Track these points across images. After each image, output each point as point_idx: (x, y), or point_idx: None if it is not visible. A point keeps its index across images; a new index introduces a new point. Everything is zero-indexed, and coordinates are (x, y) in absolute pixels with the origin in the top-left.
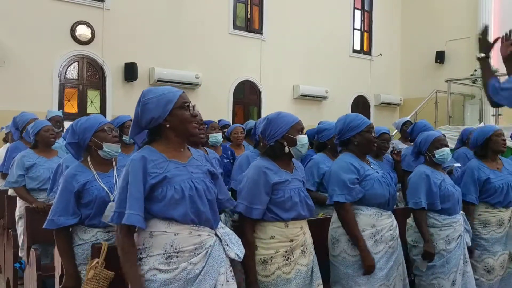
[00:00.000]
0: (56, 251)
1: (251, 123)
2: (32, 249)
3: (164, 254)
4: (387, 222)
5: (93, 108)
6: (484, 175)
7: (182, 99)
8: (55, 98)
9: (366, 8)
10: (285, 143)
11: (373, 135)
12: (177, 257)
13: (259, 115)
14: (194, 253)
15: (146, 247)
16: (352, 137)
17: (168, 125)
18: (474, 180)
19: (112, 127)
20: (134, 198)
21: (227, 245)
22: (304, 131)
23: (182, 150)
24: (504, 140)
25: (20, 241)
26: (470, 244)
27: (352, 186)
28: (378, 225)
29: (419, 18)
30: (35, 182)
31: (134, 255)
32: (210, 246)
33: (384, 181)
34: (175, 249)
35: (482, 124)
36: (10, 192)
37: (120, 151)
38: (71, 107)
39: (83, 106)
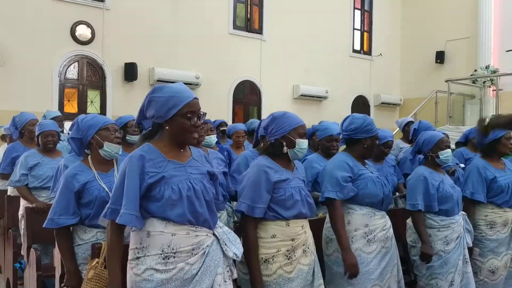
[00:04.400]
0: (56, 251)
1: (255, 122)
2: (32, 249)
3: (161, 254)
4: (380, 222)
5: (93, 108)
6: (491, 174)
7: (188, 107)
8: (55, 98)
9: (366, 8)
10: (284, 143)
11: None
12: (174, 257)
13: (259, 115)
14: (191, 253)
15: (143, 247)
16: (364, 139)
17: (167, 127)
18: (482, 179)
19: (116, 128)
20: (129, 198)
21: (225, 244)
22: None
23: (182, 150)
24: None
25: (22, 240)
26: (471, 245)
27: (344, 184)
28: (371, 225)
29: (419, 18)
30: (37, 181)
31: (119, 252)
32: (207, 246)
33: (378, 181)
34: (173, 249)
35: None
36: (10, 191)
37: (120, 152)
38: (71, 107)
39: (83, 106)
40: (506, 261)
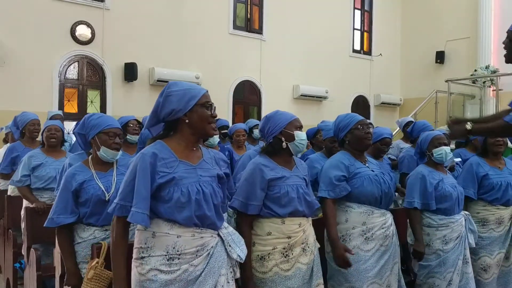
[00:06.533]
0: (56, 251)
1: (251, 121)
2: (32, 249)
3: (166, 255)
4: (379, 220)
5: (93, 108)
6: (483, 171)
7: (205, 98)
8: (55, 98)
9: (366, 8)
10: (283, 139)
11: (365, 131)
12: (178, 259)
13: (259, 115)
14: (196, 255)
15: (148, 247)
16: (344, 137)
17: (187, 121)
18: (472, 175)
19: (117, 133)
20: (141, 196)
21: (230, 245)
22: (304, 130)
23: (194, 149)
24: (499, 141)
25: (23, 240)
26: (474, 245)
27: (337, 183)
28: (369, 223)
29: (419, 18)
30: (40, 182)
31: (124, 248)
32: (212, 247)
33: (376, 179)
34: (177, 251)
35: None
36: (10, 191)
37: (118, 158)
38: (71, 107)
39: (83, 106)
40: (499, 259)
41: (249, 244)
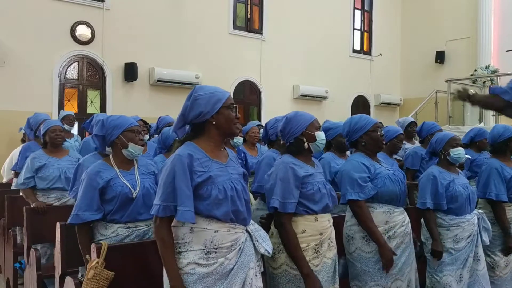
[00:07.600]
0: (56, 251)
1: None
2: (32, 249)
3: (204, 249)
4: (400, 218)
5: (93, 108)
6: (508, 174)
7: (230, 100)
8: (55, 98)
9: (366, 8)
10: (304, 140)
11: (379, 133)
12: (215, 252)
13: (259, 115)
14: (231, 249)
15: (186, 242)
16: (359, 138)
17: (214, 122)
18: (502, 179)
19: (140, 130)
20: (185, 195)
21: (257, 241)
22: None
23: (222, 149)
24: None
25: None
26: (488, 243)
27: (364, 184)
28: (390, 222)
29: (419, 18)
30: (44, 182)
31: (173, 248)
32: (242, 242)
33: (395, 178)
34: (215, 245)
35: (482, 124)
36: (13, 186)
37: (142, 153)
38: (71, 107)
39: (83, 106)
40: None
41: (297, 240)
